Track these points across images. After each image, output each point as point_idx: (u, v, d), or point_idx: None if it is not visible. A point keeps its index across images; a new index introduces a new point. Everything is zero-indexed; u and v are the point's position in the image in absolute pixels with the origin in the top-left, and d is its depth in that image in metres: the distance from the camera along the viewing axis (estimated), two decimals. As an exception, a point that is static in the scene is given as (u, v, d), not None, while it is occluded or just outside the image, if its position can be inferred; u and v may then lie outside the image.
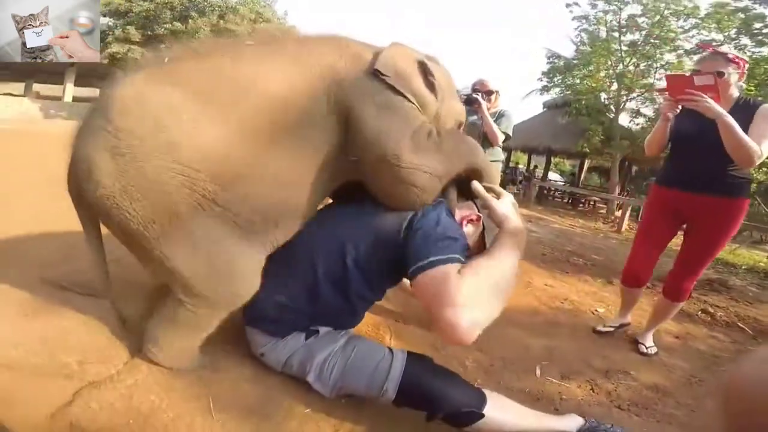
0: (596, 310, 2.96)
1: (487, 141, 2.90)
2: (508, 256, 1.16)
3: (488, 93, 2.94)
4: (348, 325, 1.45)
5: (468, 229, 1.37)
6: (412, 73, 1.38)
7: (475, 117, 2.94)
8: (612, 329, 2.42)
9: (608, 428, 1.34)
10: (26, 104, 14.96)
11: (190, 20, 15.13)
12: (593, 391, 1.86)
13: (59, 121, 13.18)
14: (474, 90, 2.94)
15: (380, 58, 1.32)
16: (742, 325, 3.09)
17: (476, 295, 1.04)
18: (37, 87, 18.35)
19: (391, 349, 1.29)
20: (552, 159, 17.08)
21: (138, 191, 1.09)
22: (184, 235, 1.16)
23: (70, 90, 15.93)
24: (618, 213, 9.11)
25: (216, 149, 1.14)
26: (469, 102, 2.83)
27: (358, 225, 1.33)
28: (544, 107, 16.50)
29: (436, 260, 1.09)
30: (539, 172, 17.31)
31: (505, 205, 1.29)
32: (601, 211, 13.22)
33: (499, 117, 2.95)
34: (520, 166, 20.03)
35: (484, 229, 1.38)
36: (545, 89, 14.95)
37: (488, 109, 2.89)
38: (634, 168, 16.90)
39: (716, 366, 2.32)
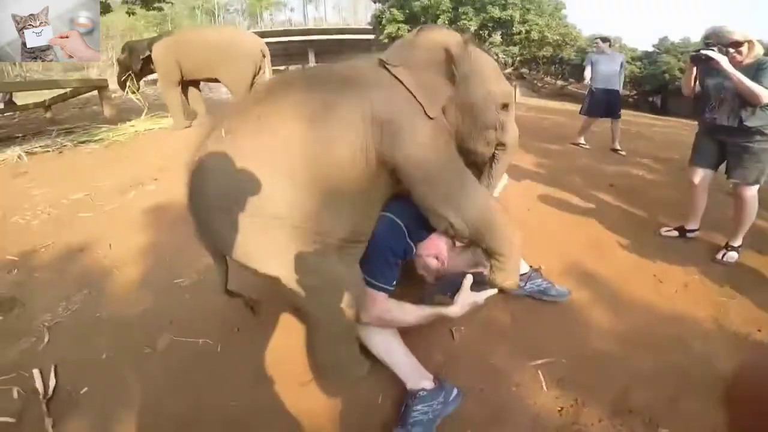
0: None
1: (747, 104, 2.31)
2: (420, 317, 1.52)
3: (734, 45, 2.28)
4: None
5: (430, 261, 1.61)
6: (427, 62, 1.44)
7: (718, 78, 2.39)
8: None
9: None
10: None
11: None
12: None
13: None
14: (707, 44, 2.34)
15: (393, 46, 1.54)
16: None
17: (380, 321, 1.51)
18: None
19: None
20: None
21: None
22: None
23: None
24: None
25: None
26: (697, 60, 2.35)
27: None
28: None
29: (372, 283, 1.48)
30: None
31: (464, 299, 1.55)
32: None
33: (758, 70, 2.25)
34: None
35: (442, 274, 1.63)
36: None
37: (741, 62, 2.29)
38: None
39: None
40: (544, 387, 1.59)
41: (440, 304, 1.62)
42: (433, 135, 1.41)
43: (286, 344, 1.73)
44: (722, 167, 2.55)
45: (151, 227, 2.72)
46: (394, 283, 1.53)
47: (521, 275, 1.99)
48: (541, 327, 1.89)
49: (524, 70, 20.85)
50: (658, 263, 2.43)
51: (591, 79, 5.34)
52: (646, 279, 2.28)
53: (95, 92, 6.32)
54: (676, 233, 2.73)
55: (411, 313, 1.51)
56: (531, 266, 2.08)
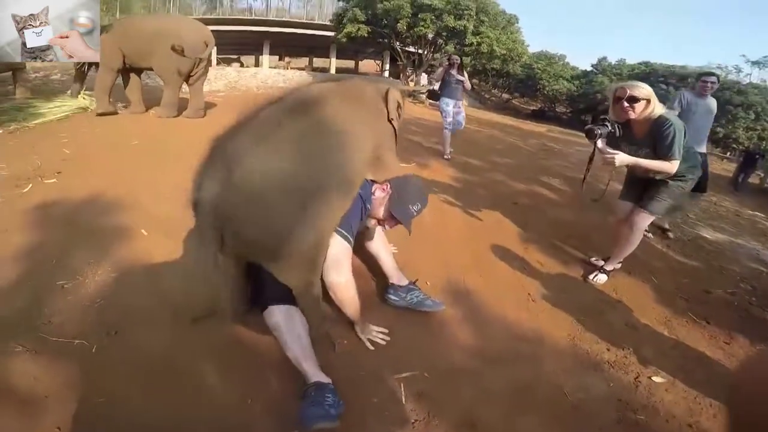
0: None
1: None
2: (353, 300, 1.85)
3: (630, 99, 2.26)
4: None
5: (378, 193, 1.96)
6: None
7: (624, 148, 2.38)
8: None
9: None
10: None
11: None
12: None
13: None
14: (602, 118, 2.40)
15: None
16: None
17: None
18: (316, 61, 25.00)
19: None
20: None
21: None
22: None
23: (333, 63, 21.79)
24: None
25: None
26: (591, 134, 2.36)
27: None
28: None
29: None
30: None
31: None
32: None
33: (658, 138, 2.29)
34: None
35: (390, 197, 1.96)
36: None
37: (633, 117, 2.32)
38: None
39: None
40: (404, 399, 1.68)
41: None
42: None
43: (164, 346, 1.77)
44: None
45: (43, 224, 2.59)
46: (352, 239, 1.82)
47: (401, 287, 2.18)
48: (412, 340, 1.99)
49: (474, 81, 21.50)
50: (536, 282, 2.59)
51: None
52: (520, 297, 2.43)
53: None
54: (602, 263, 2.77)
55: (351, 289, 1.82)
56: (410, 280, 2.21)
